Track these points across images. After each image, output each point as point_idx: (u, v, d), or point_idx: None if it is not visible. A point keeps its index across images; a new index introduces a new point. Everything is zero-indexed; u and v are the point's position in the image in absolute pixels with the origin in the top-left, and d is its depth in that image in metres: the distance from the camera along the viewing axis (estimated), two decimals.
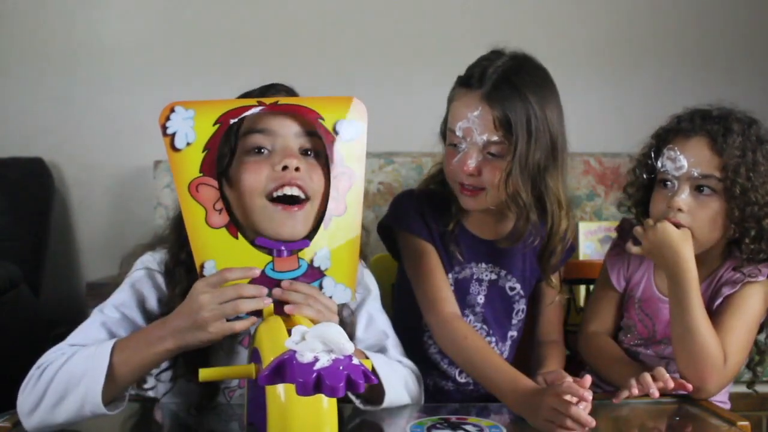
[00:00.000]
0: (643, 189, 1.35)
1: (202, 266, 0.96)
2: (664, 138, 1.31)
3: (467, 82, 1.27)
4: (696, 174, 1.24)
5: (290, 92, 1.14)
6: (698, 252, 1.26)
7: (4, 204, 2.55)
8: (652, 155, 1.32)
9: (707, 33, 2.83)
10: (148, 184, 2.64)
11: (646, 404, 1.20)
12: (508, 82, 1.23)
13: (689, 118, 1.29)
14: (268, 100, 1.01)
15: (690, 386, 1.18)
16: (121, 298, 1.14)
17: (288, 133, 1.06)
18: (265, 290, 0.96)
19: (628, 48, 2.80)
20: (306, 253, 1.00)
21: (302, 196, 1.04)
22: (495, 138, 1.22)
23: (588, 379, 1.04)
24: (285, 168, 1.03)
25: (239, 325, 0.96)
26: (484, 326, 1.37)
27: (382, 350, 1.21)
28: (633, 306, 1.39)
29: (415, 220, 1.32)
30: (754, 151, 1.24)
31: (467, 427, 1.02)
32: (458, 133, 1.25)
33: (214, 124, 0.97)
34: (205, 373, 0.88)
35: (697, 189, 1.25)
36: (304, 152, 1.07)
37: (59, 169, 2.79)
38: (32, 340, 2.40)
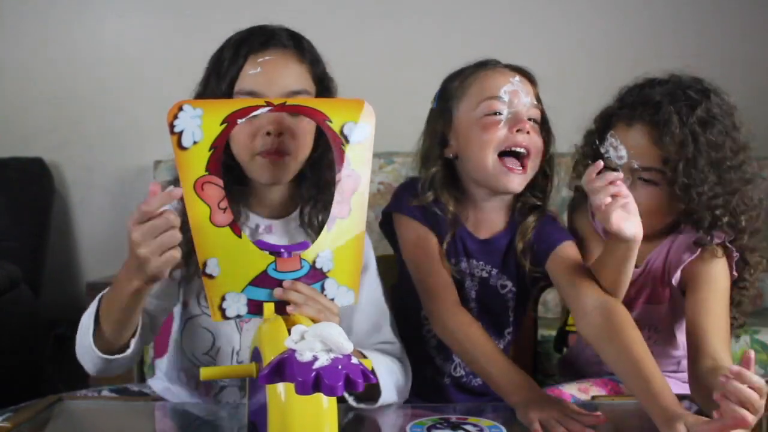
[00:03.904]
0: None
1: (204, 264, 0.96)
2: (607, 122, 1.26)
3: (486, 64, 1.31)
4: (636, 166, 1.20)
5: (294, 38, 1.19)
6: (645, 234, 1.17)
7: (4, 204, 2.56)
8: (596, 141, 1.27)
9: (707, 31, 2.84)
10: (148, 184, 2.63)
11: None
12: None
13: (631, 104, 1.23)
14: (276, 101, 1.02)
15: None
16: None
17: (273, 92, 1.12)
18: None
19: (627, 47, 2.80)
20: (308, 254, 1.00)
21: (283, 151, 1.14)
22: (536, 101, 1.28)
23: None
24: (269, 133, 1.12)
25: (178, 253, 0.94)
26: (480, 323, 1.37)
27: (377, 327, 1.24)
28: None
29: (417, 206, 1.31)
30: (695, 139, 1.16)
31: (467, 427, 1.02)
32: (504, 97, 1.25)
33: (222, 124, 0.98)
34: (206, 373, 0.88)
35: (641, 178, 1.21)
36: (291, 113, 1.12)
37: (59, 169, 2.79)
38: (32, 340, 2.41)
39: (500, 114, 1.24)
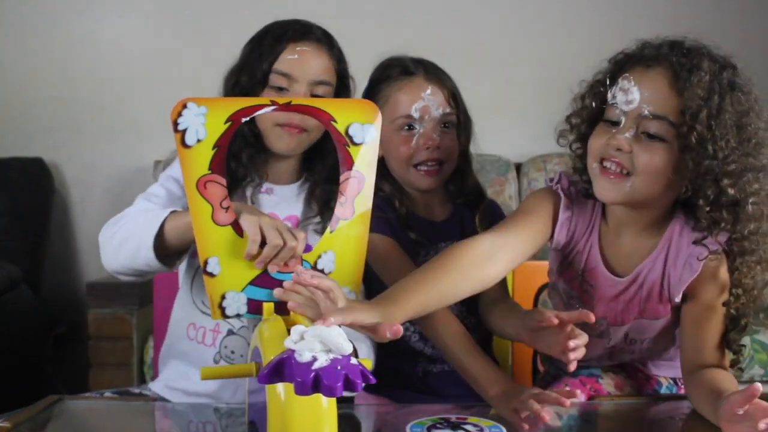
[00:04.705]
0: (589, 121, 1.15)
1: (206, 262, 0.96)
2: (622, 65, 1.12)
3: (404, 71, 1.39)
4: (647, 113, 1.05)
5: (327, 35, 1.33)
6: (633, 200, 1.10)
7: (4, 204, 2.56)
8: (607, 82, 1.12)
9: (707, 32, 2.84)
10: (148, 184, 2.62)
11: (646, 404, 1.20)
12: (433, 66, 1.41)
13: (655, 46, 1.10)
14: (281, 100, 1.02)
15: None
16: (174, 169, 1.30)
17: (304, 79, 1.26)
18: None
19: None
20: (310, 256, 1.00)
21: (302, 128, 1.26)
22: (448, 110, 1.37)
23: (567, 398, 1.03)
24: None
25: None
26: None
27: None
28: (575, 277, 1.24)
29: (375, 218, 1.33)
30: (722, 95, 1.03)
31: (467, 427, 1.02)
32: (415, 114, 1.36)
33: (226, 122, 0.97)
34: (206, 372, 0.88)
35: (646, 132, 1.06)
36: (314, 96, 1.26)
37: (59, 169, 2.80)
38: (32, 340, 2.41)
39: (414, 128, 1.36)
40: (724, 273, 1.14)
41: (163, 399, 1.28)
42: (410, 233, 1.38)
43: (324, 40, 1.32)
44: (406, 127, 1.36)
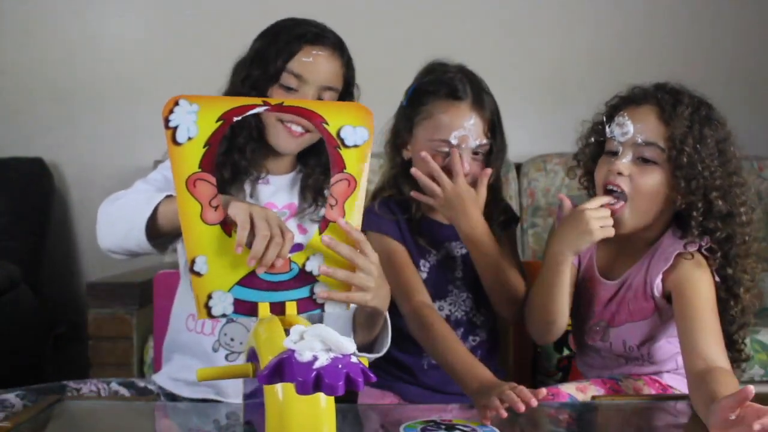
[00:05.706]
0: (593, 157, 1.34)
1: (193, 261, 0.95)
2: (616, 106, 1.31)
3: (453, 94, 1.38)
4: (640, 140, 1.23)
5: (339, 40, 1.34)
6: (638, 225, 1.25)
7: (4, 204, 2.56)
8: (605, 121, 1.31)
9: (708, 38, 2.84)
10: None
11: (645, 404, 1.20)
12: (481, 89, 1.40)
13: (643, 88, 1.30)
14: (273, 101, 1.01)
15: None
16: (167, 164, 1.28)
17: (315, 83, 1.29)
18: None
19: (626, 50, 2.80)
20: (299, 257, 0.99)
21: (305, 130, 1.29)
22: (484, 141, 1.39)
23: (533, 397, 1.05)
24: None
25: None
26: (470, 294, 1.47)
27: None
28: (578, 285, 1.38)
29: (387, 222, 1.43)
30: (702, 124, 1.23)
31: (461, 427, 1.01)
32: (453, 141, 1.37)
33: (217, 121, 0.96)
34: (202, 374, 0.88)
35: (641, 157, 1.24)
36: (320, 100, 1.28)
37: (59, 169, 2.80)
38: (32, 340, 2.41)
39: (447, 153, 1.37)
40: (701, 270, 1.23)
41: (165, 390, 1.30)
42: (419, 238, 1.43)
43: (337, 45, 1.33)
44: (442, 149, 1.37)
